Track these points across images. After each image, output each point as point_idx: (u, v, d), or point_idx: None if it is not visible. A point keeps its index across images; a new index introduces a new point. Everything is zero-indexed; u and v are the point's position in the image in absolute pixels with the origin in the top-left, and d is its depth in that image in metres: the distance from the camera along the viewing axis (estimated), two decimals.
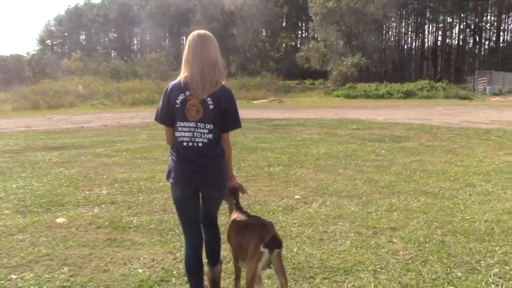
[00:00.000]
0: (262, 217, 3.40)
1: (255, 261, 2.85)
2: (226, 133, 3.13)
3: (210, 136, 3.02)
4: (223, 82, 3.09)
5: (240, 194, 3.46)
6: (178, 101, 3.01)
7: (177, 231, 4.89)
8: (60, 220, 5.29)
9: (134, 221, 5.26)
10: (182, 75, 3.06)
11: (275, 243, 2.87)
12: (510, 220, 5.30)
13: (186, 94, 3.00)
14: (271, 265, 3.00)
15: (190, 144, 3.02)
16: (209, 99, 2.99)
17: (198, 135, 3.01)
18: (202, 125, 3.01)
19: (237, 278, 3.43)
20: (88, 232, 4.92)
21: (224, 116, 3.05)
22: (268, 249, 2.84)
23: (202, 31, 3.13)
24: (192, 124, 3.01)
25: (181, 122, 3.03)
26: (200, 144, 3.02)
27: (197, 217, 3.26)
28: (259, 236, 2.90)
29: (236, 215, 3.33)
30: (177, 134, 3.06)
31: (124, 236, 4.79)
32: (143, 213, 5.62)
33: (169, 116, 3.07)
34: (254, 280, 2.86)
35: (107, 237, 4.75)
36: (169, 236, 4.80)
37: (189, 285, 3.34)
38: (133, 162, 8.95)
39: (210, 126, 3.01)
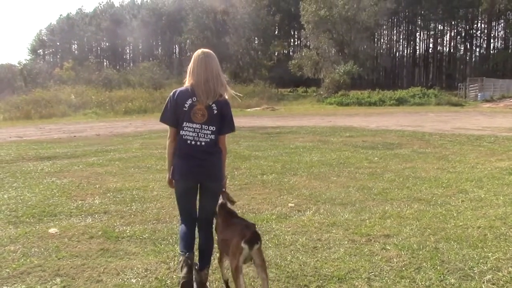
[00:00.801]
0: (247, 220, 3.58)
1: (237, 256, 3.16)
2: (223, 135, 3.60)
3: (213, 136, 3.51)
4: (226, 96, 3.59)
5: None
6: (186, 105, 3.47)
7: (171, 240, 4.88)
8: (52, 230, 5.25)
9: (127, 231, 5.23)
10: (188, 83, 3.53)
11: (254, 239, 3.16)
12: (503, 226, 5.32)
13: (193, 99, 3.47)
14: (252, 261, 3.26)
15: (193, 142, 3.48)
16: (213, 105, 3.49)
17: (202, 135, 3.49)
18: (206, 127, 3.49)
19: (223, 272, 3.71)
20: (81, 242, 4.88)
21: (223, 121, 3.54)
22: (248, 245, 3.13)
23: (206, 50, 3.58)
24: (197, 126, 3.48)
25: (187, 123, 3.48)
26: (203, 143, 3.49)
27: (194, 204, 3.72)
28: (240, 234, 3.18)
29: (223, 215, 3.64)
30: (182, 132, 3.50)
31: (117, 246, 4.76)
32: (136, 222, 5.59)
33: (174, 117, 3.51)
34: (237, 271, 3.17)
35: (100, 247, 4.72)
36: (162, 245, 4.78)
37: (182, 253, 3.57)
38: (126, 171, 8.91)
39: (213, 128, 3.51)
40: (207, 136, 3.49)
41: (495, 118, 23.37)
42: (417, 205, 6.29)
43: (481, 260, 4.30)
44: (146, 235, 5.10)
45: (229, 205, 3.72)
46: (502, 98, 42.54)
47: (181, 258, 3.55)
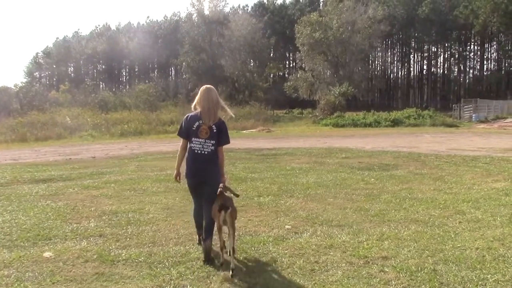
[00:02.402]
0: (229, 200, 5.07)
1: (217, 218, 4.85)
2: (221, 146, 5.19)
3: (213, 148, 5.11)
4: (228, 117, 5.43)
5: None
6: (195, 126, 5.10)
7: (167, 264, 4.83)
8: (47, 254, 5.19)
9: (123, 254, 5.18)
10: (197, 110, 5.15)
11: (225, 206, 4.79)
12: (501, 247, 5.30)
13: (200, 122, 5.10)
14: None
15: (199, 152, 5.09)
16: (214, 126, 5.09)
17: (206, 147, 5.09)
18: (208, 141, 5.10)
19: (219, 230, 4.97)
20: (76, 266, 4.82)
21: (220, 135, 5.13)
22: (223, 210, 4.76)
23: (209, 86, 5.26)
24: (202, 140, 5.09)
25: (195, 138, 5.10)
26: (206, 152, 5.10)
27: (202, 194, 5.20)
28: (217, 204, 4.85)
29: (218, 197, 5.02)
30: (191, 145, 5.13)
31: (113, 270, 4.71)
32: (132, 245, 5.54)
33: (186, 133, 5.17)
34: (219, 229, 4.89)
35: (95, 271, 4.66)
36: (158, 269, 4.72)
37: (197, 230, 5.47)
38: (121, 194, 8.86)
39: (213, 142, 5.11)
40: (209, 147, 5.09)
41: (489, 139, 23.46)
42: (414, 227, 6.27)
43: (480, 282, 4.28)
44: (142, 258, 5.05)
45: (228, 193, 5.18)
46: (496, 119, 42.82)
47: (197, 236, 5.46)
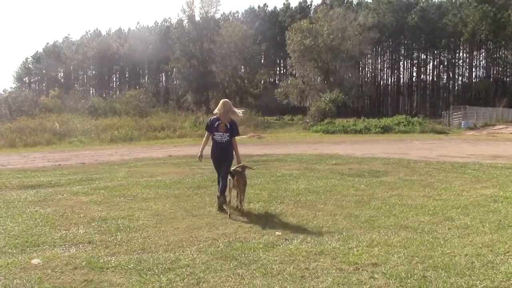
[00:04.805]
0: (238, 172, 7.72)
1: (228, 182, 7.62)
2: (234, 137, 7.97)
3: (228, 138, 7.89)
4: (238, 119, 8.30)
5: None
6: (215, 124, 7.88)
7: (156, 271, 4.80)
8: (35, 261, 5.14)
9: (112, 261, 5.14)
10: (217, 113, 7.90)
11: (232, 174, 7.54)
12: (490, 253, 5.33)
13: (219, 122, 7.85)
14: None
15: (219, 141, 7.88)
16: (228, 124, 7.85)
17: (224, 138, 7.86)
18: (225, 134, 7.86)
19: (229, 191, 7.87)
20: (64, 273, 4.78)
21: (233, 130, 7.93)
22: (231, 177, 7.53)
23: (226, 99, 8.19)
24: (221, 133, 7.86)
25: (216, 132, 7.88)
26: (224, 141, 7.87)
27: (220, 168, 7.98)
28: (230, 174, 7.65)
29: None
30: (214, 137, 7.90)
31: (102, 277, 4.67)
32: (121, 252, 5.49)
33: (210, 129, 7.98)
34: (229, 190, 7.67)
35: (84, 278, 4.62)
36: (148, 276, 4.69)
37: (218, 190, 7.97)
38: (111, 200, 8.80)
39: (228, 134, 7.87)
40: (225, 138, 7.86)
41: (478, 146, 23.64)
42: (404, 233, 6.28)
43: None
44: (131, 265, 5.01)
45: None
46: (485, 125, 43.28)
47: (218, 195, 7.90)
